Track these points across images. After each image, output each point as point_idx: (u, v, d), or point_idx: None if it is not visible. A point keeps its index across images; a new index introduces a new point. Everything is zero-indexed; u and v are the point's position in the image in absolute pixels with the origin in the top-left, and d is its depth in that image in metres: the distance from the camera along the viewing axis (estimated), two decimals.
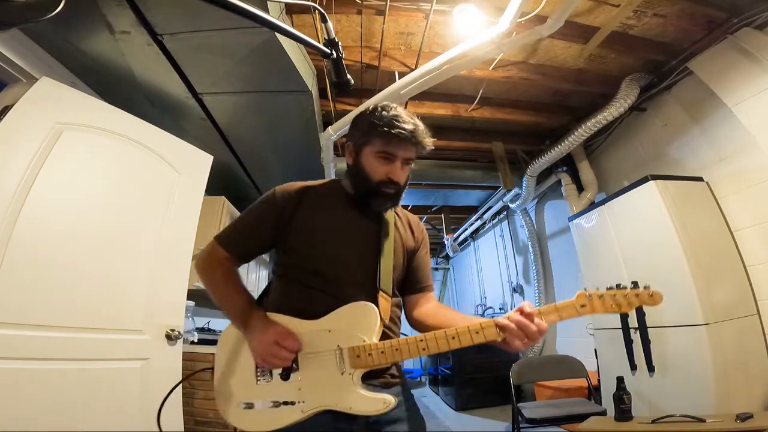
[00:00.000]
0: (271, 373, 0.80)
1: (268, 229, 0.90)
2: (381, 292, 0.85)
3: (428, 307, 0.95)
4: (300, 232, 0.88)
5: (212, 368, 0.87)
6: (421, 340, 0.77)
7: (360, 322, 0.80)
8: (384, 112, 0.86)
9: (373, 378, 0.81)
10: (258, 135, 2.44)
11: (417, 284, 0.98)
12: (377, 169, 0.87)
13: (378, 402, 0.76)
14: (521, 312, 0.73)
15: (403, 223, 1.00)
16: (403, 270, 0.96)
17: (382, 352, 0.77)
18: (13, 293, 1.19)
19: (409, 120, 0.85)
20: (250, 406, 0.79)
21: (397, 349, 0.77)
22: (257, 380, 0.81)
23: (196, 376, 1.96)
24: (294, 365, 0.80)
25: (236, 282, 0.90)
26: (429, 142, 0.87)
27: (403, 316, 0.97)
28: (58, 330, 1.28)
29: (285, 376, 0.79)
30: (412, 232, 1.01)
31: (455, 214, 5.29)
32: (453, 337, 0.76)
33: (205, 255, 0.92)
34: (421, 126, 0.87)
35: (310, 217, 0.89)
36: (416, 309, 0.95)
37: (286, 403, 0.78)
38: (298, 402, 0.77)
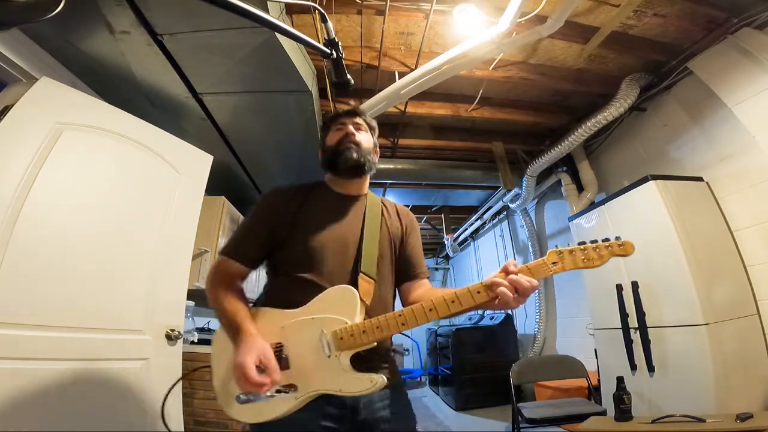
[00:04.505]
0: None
1: (264, 227, 0.93)
2: (362, 275, 0.86)
3: (421, 291, 0.97)
4: (288, 226, 0.92)
5: (209, 367, 0.88)
6: (400, 315, 0.78)
7: (341, 306, 0.81)
8: (327, 114, 1.14)
9: (364, 368, 0.79)
10: (258, 135, 2.43)
11: (409, 271, 1.00)
12: (335, 136, 1.00)
13: (365, 381, 0.76)
14: (506, 271, 0.74)
15: (389, 213, 1.04)
16: (392, 258, 0.98)
17: (363, 332, 0.77)
18: (13, 293, 1.18)
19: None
20: (248, 399, 0.79)
21: (378, 327, 0.77)
22: None
23: (196, 376, 1.96)
24: (283, 356, 0.81)
25: (231, 297, 0.87)
26: (362, 109, 1.07)
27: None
28: (58, 330, 1.28)
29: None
30: (400, 220, 1.04)
31: (455, 214, 5.29)
32: (430, 309, 0.76)
33: (211, 270, 0.93)
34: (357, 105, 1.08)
35: (297, 212, 0.93)
36: (411, 295, 0.97)
37: (279, 391, 0.78)
38: (291, 390, 0.78)
